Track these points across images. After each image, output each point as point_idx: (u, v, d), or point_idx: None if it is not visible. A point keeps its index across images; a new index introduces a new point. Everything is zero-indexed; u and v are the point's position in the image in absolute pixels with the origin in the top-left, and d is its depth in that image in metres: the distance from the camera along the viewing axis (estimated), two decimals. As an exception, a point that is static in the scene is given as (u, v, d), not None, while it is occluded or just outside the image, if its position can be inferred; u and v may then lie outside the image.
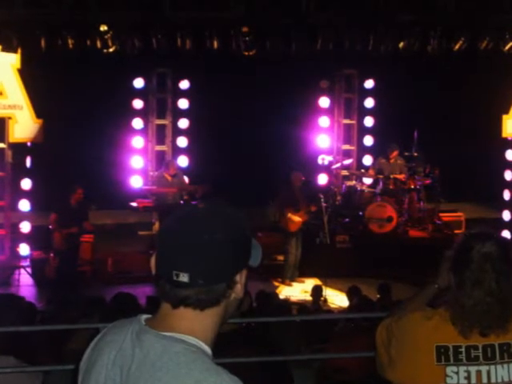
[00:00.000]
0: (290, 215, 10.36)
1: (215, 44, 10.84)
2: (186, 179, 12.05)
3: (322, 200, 10.53)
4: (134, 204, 11.50)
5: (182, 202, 11.19)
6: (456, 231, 11.62)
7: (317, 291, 9.26)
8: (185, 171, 12.40)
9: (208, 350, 1.65)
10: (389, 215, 11.51)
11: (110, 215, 12.68)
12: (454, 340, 2.43)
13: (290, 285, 10.51)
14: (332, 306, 9.37)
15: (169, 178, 11.49)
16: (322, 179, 13.32)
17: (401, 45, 11.25)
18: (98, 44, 10.55)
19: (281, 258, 10.81)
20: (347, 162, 13.23)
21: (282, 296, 9.42)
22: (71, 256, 10.17)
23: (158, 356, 1.59)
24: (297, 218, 10.40)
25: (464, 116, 12.73)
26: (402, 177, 12.05)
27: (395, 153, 12.20)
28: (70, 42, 10.45)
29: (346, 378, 4.65)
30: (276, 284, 10.54)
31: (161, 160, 12.84)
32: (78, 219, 10.11)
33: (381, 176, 12.08)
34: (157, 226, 11.58)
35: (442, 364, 2.43)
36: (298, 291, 10.23)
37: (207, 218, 1.67)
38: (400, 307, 2.79)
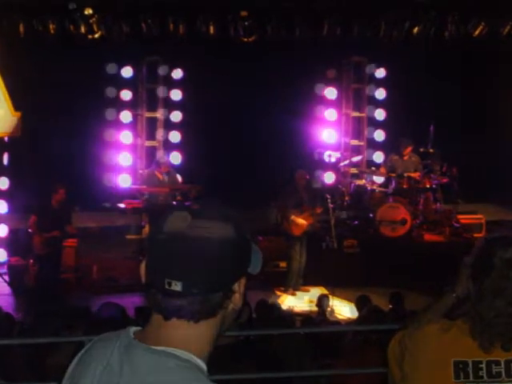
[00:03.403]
0: (293, 217, 10.34)
1: (211, 29, 10.84)
2: (179, 178, 12.05)
3: (329, 201, 10.52)
4: (121, 205, 11.50)
5: (174, 202, 11.19)
6: (476, 235, 11.61)
7: (323, 301, 9.24)
8: (178, 169, 12.39)
9: (203, 365, 1.65)
10: (402, 217, 11.51)
11: (95, 217, 12.68)
12: (474, 355, 2.43)
13: (293, 294, 10.48)
14: (340, 317, 9.36)
15: (160, 177, 11.50)
16: (329, 178, 13.30)
17: (415, 30, 11.24)
18: (82, 29, 10.55)
19: (283, 264, 10.80)
20: (356, 158, 13.21)
21: (284, 306, 9.41)
22: (52, 262, 10.16)
23: (149, 372, 1.59)
24: (301, 221, 10.37)
25: (486, 109, 12.71)
26: (416, 175, 12.02)
27: (409, 149, 12.18)
28: (51, 26, 10.45)
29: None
30: (278, 293, 10.52)
31: (151, 157, 12.84)
32: (59, 222, 10.11)
33: (393, 174, 12.06)
34: (147, 229, 11.57)
35: (461, 381, 2.43)
36: (302, 301, 10.21)
37: (202, 221, 1.66)
38: (414, 319, 2.78)
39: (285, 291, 10.56)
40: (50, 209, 10.13)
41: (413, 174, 12.03)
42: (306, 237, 10.59)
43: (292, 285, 10.54)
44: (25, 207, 10.76)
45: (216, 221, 1.67)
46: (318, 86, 13.56)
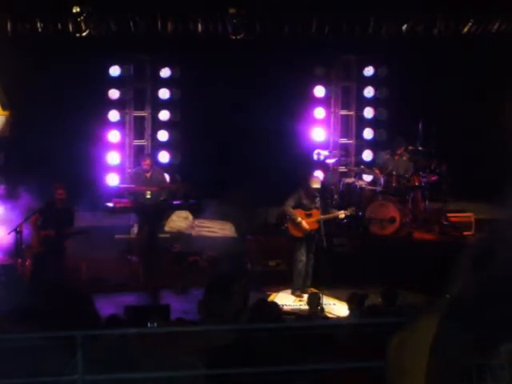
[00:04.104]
0: (294, 217, 10.15)
1: (202, 28, 10.78)
2: (167, 177, 12.01)
3: (328, 201, 10.44)
4: (112, 204, 11.41)
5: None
6: (465, 233, 11.67)
7: (321, 300, 9.19)
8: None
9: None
10: (391, 215, 11.52)
11: (90, 217, 12.57)
12: (477, 357, 2.42)
13: (293, 294, 10.28)
14: (337, 316, 9.31)
15: (147, 176, 11.49)
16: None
17: (415, 29, 11.17)
18: (70, 27, 10.49)
19: (283, 264, 10.69)
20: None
21: (283, 306, 9.29)
22: (49, 262, 10.10)
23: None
24: (302, 221, 10.14)
25: (482, 106, 12.67)
26: (406, 174, 12.02)
27: (402, 148, 12.20)
28: (38, 25, 10.39)
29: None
30: (277, 293, 10.36)
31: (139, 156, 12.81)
32: (60, 222, 10.11)
33: (386, 173, 12.05)
34: (135, 228, 11.45)
35: (464, 384, 2.43)
36: (301, 301, 10.09)
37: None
38: (414, 319, 2.77)
39: (284, 291, 10.37)
40: (52, 208, 10.17)
41: (403, 173, 12.04)
42: (307, 237, 10.39)
43: (296, 286, 10.32)
44: (21, 207, 10.69)
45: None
46: (315, 86, 13.50)
